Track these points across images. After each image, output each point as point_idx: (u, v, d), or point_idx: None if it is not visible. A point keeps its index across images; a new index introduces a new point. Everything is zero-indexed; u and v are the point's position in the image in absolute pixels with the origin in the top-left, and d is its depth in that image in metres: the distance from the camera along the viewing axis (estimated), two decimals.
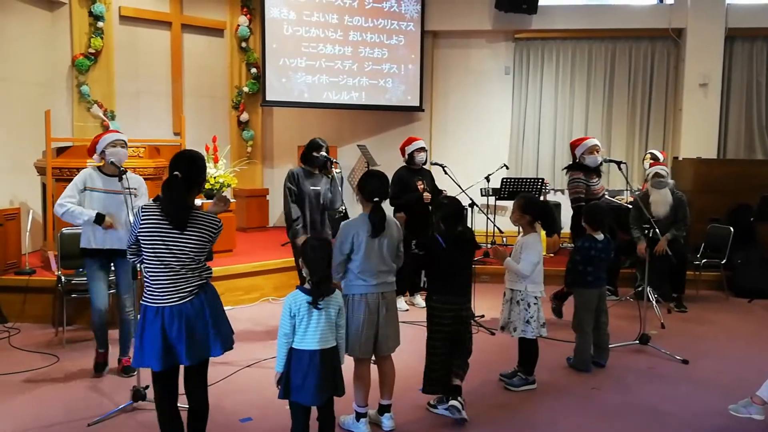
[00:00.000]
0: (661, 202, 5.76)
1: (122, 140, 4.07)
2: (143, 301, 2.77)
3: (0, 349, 4.65)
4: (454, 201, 3.63)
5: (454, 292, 3.51)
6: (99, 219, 3.92)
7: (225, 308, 2.94)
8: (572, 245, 5.43)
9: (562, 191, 7.31)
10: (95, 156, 4.09)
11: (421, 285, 3.51)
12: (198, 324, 2.74)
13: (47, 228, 5.75)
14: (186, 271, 2.74)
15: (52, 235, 5.39)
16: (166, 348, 2.70)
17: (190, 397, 2.90)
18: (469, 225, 6.00)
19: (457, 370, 3.53)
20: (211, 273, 2.88)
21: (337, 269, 3.23)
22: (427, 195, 5.61)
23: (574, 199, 5.26)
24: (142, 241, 2.75)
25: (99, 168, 4.07)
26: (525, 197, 4.03)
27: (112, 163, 3.96)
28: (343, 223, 3.34)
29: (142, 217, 2.75)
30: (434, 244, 3.49)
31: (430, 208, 5.63)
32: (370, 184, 3.27)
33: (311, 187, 4.76)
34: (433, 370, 3.49)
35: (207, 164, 2.97)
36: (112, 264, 4.12)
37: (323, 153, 4.77)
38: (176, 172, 2.76)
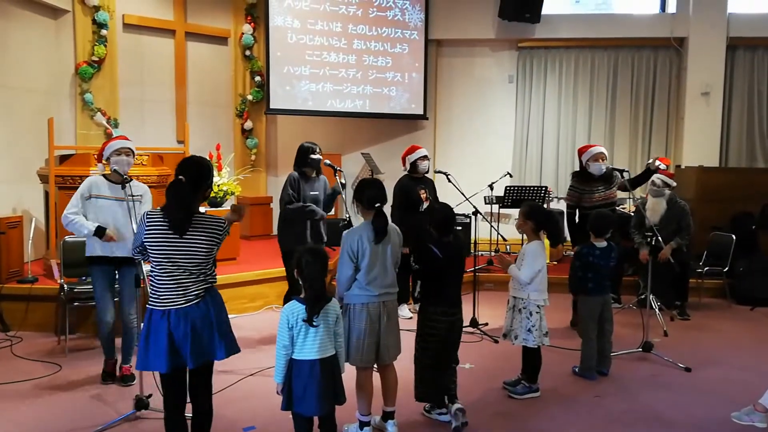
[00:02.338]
0: (651, 209, 5.80)
1: (128, 148, 4.06)
2: (149, 304, 2.79)
3: (2, 357, 4.64)
4: (445, 206, 3.68)
5: (450, 300, 3.53)
6: (99, 232, 3.91)
7: (229, 316, 2.94)
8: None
9: (567, 201, 7.36)
10: (100, 163, 4.10)
11: (415, 295, 3.53)
12: (203, 327, 2.76)
13: (50, 236, 5.76)
14: (192, 275, 2.76)
15: (55, 244, 5.39)
16: (171, 350, 2.72)
17: (194, 403, 2.91)
18: (460, 232, 6.06)
19: (451, 379, 3.56)
20: (215, 278, 2.90)
21: (346, 284, 3.22)
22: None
23: (567, 206, 5.33)
24: (148, 247, 2.78)
25: (105, 175, 4.07)
26: (530, 204, 4.07)
27: (115, 171, 3.97)
28: (344, 232, 3.34)
29: (147, 224, 2.78)
30: (430, 254, 3.49)
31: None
32: (368, 192, 3.28)
33: (310, 192, 4.78)
34: (425, 378, 3.50)
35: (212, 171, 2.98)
36: (116, 272, 4.11)
37: (318, 155, 4.81)
38: (180, 176, 2.78)
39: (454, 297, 3.56)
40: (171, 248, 2.74)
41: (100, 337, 4.17)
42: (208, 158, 3.03)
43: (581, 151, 5.43)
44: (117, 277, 4.12)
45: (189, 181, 2.77)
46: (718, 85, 8.39)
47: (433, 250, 3.48)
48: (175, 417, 2.87)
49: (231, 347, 2.87)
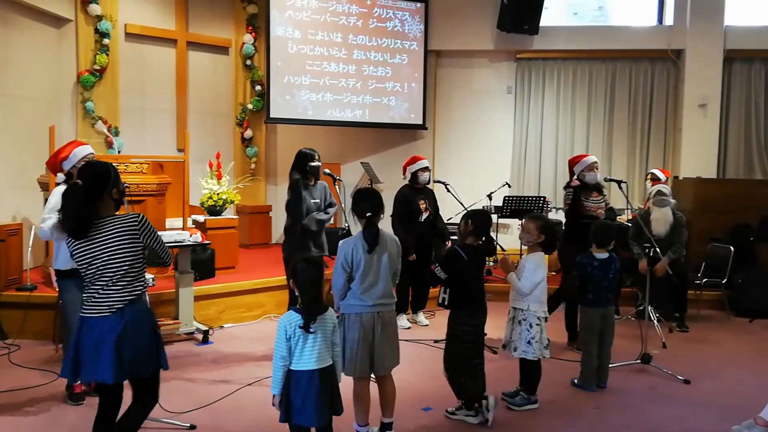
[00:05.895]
0: (661, 220, 5.79)
1: (93, 153, 3.96)
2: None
3: (0, 366, 4.61)
4: (485, 212, 3.84)
5: (478, 303, 3.66)
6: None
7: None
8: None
9: (564, 209, 7.43)
10: (60, 174, 3.87)
11: (444, 303, 3.54)
12: (103, 343, 2.63)
13: (49, 244, 5.75)
14: (110, 284, 2.68)
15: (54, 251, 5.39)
16: (76, 360, 2.68)
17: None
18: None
19: (483, 380, 3.70)
20: (142, 289, 2.77)
21: (341, 294, 3.24)
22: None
23: (566, 212, 5.36)
24: (71, 254, 2.71)
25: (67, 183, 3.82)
26: (540, 217, 4.05)
27: None
28: (340, 242, 3.36)
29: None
30: (456, 258, 3.56)
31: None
32: (361, 202, 3.32)
33: (311, 200, 4.80)
34: (469, 380, 3.60)
35: (119, 173, 2.82)
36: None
37: (318, 162, 4.85)
38: (78, 181, 2.73)
39: (481, 298, 3.70)
40: (87, 256, 2.67)
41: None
42: (108, 162, 2.88)
43: (573, 161, 5.41)
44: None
45: (84, 185, 2.70)
46: (715, 97, 8.45)
47: (459, 253, 3.56)
48: (99, 426, 2.82)
49: (120, 371, 2.64)
